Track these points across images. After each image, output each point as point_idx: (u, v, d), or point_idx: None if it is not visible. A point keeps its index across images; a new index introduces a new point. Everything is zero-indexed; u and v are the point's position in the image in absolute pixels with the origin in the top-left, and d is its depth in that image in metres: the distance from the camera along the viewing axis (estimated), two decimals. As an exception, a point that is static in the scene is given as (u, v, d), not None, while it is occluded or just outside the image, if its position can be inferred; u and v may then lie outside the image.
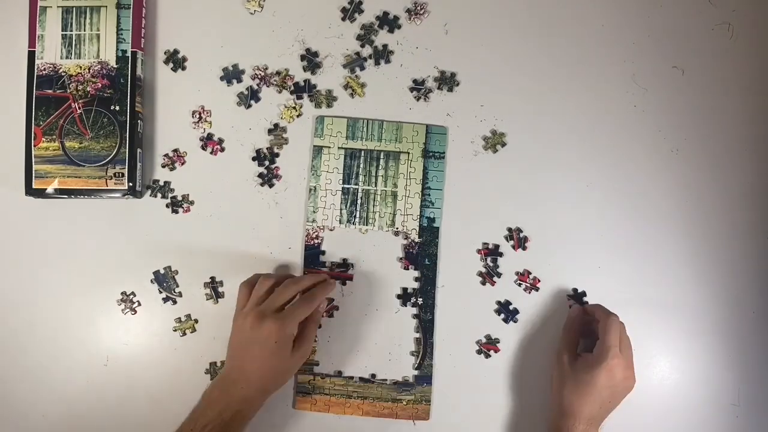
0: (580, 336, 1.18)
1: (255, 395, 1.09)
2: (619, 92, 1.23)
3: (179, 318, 1.21)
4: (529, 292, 1.22)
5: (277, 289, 1.13)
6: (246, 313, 1.10)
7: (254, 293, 1.13)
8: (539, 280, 1.22)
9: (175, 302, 1.22)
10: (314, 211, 1.21)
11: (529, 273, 1.22)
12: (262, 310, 1.09)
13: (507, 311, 1.21)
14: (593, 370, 1.08)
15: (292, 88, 1.23)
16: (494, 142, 1.22)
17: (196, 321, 1.21)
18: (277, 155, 1.22)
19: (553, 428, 1.12)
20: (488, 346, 1.21)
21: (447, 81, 1.23)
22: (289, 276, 1.19)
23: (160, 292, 1.21)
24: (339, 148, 1.22)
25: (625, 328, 1.15)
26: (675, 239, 1.22)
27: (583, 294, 1.21)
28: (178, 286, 1.22)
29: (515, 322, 1.21)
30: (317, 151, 1.22)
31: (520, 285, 1.22)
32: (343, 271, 1.22)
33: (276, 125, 1.22)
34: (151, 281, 1.21)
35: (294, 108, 1.22)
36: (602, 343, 1.10)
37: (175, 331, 1.21)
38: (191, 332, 1.21)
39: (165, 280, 1.21)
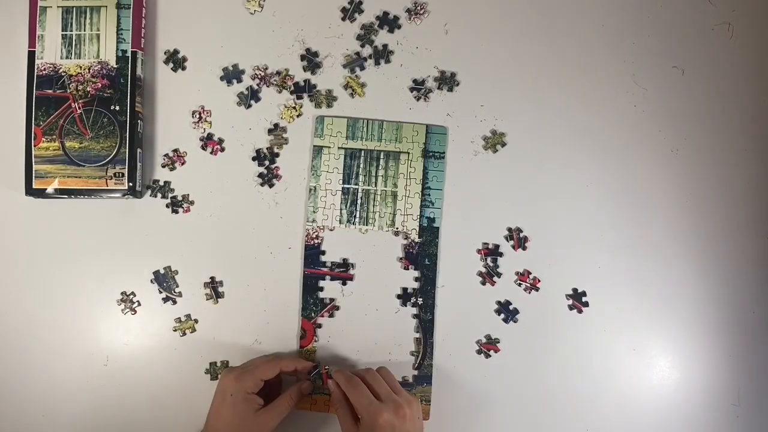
0: (352, 409, 1.13)
1: None
2: (619, 92, 1.23)
3: (179, 318, 1.21)
4: (529, 292, 1.22)
5: (264, 357, 1.16)
6: (227, 370, 1.13)
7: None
8: (539, 280, 1.22)
9: (175, 302, 1.22)
10: (314, 211, 1.21)
11: (529, 273, 1.22)
12: (232, 367, 1.13)
13: (507, 311, 1.21)
14: (378, 428, 1.05)
15: (292, 88, 1.23)
16: (494, 142, 1.22)
17: (196, 321, 1.21)
18: (277, 155, 1.22)
19: None
20: (488, 346, 1.21)
21: (447, 81, 1.23)
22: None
23: (160, 292, 1.21)
24: (339, 148, 1.22)
25: (384, 368, 1.16)
26: (675, 239, 1.22)
27: (583, 294, 1.21)
28: (178, 286, 1.22)
29: (515, 322, 1.21)
30: (317, 151, 1.22)
31: (520, 285, 1.22)
32: (343, 271, 1.22)
33: (276, 125, 1.22)
34: (151, 281, 1.21)
35: (294, 108, 1.22)
36: (359, 409, 1.08)
37: (175, 331, 1.21)
38: (191, 332, 1.21)
39: (165, 280, 1.21)
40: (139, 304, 1.22)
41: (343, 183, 1.22)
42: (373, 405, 1.06)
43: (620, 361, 1.21)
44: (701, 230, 1.22)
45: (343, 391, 1.12)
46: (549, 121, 1.23)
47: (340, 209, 1.22)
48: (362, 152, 1.22)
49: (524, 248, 1.22)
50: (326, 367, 1.18)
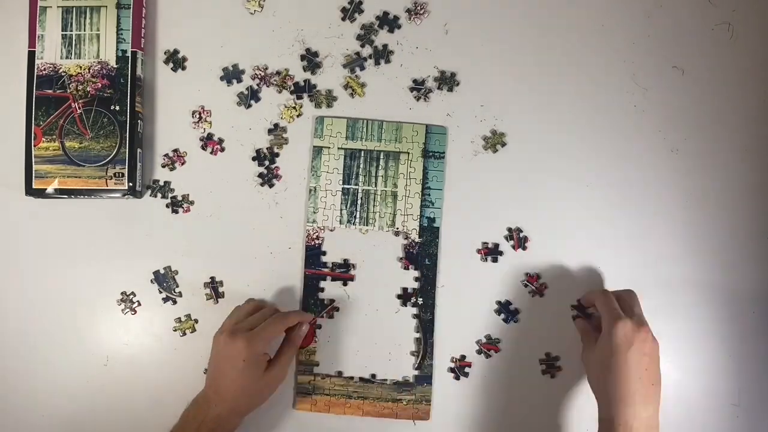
0: (593, 329, 1.16)
1: (228, 415, 1.10)
2: (619, 92, 1.23)
3: (179, 318, 1.21)
4: (533, 296, 1.22)
5: (257, 313, 1.15)
6: (221, 331, 1.12)
7: (234, 313, 1.16)
8: (546, 287, 1.22)
9: (175, 302, 1.22)
10: (314, 212, 1.21)
11: (539, 277, 1.22)
12: (234, 328, 1.10)
13: (507, 311, 1.21)
14: (606, 344, 1.06)
15: (292, 88, 1.23)
16: (494, 142, 1.22)
17: (196, 321, 1.21)
18: (277, 155, 1.22)
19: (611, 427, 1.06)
20: (488, 346, 1.21)
21: (447, 81, 1.23)
22: (276, 308, 1.19)
23: (160, 292, 1.22)
24: (339, 148, 1.22)
25: (632, 292, 1.15)
26: (675, 239, 1.22)
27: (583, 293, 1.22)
28: (178, 286, 1.22)
29: (516, 322, 1.21)
30: (317, 151, 1.22)
31: (526, 286, 1.22)
32: (343, 271, 1.22)
33: (276, 125, 1.22)
34: (151, 281, 1.22)
35: (294, 108, 1.22)
36: (604, 315, 1.09)
37: (175, 331, 1.21)
38: (191, 332, 1.21)
39: (165, 280, 1.21)
40: (139, 304, 1.22)
41: (343, 183, 1.22)
42: (617, 315, 1.07)
43: (620, 361, 1.22)
44: (701, 230, 1.22)
45: (587, 323, 1.19)
46: (549, 121, 1.23)
47: (341, 210, 1.22)
48: (362, 152, 1.22)
49: (524, 248, 1.22)
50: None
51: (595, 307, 1.16)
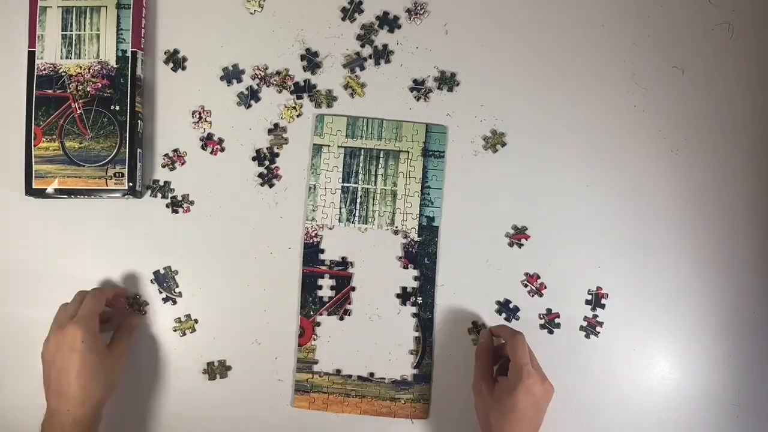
0: (492, 362, 1.15)
1: (81, 413, 1.05)
2: (619, 92, 1.23)
3: (179, 318, 1.21)
4: (532, 296, 1.22)
5: (73, 304, 1.13)
6: (46, 338, 1.09)
7: (53, 321, 1.12)
8: (545, 287, 1.22)
9: (175, 302, 1.22)
10: (314, 210, 1.22)
11: (538, 277, 1.22)
12: (58, 322, 1.09)
13: (507, 310, 1.21)
14: (513, 393, 1.04)
15: (292, 88, 1.23)
16: (494, 142, 1.22)
17: (196, 321, 1.21)
18: (277, 155, 1.22)
19: None
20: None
21: (447, 81, 1.23)
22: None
23: (160, 292, 1.21)
24: (339, 146, 1.22)
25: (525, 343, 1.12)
26: (675, 239, 1.22)
27: (482, 326, 1.22)
28: (178, 286, 1.22)
29: (517, 320, 1.21)
30: (317, 149, 1.22)
31: (526, 286, 1.22)
32: (342, 269, 1.22)
33: (276, 125, 1.22)
34: (151, 281, 1.22)
35: (294, 108, 1.22)
36: (514, 364, 1.07)
37: (175, 331, 1.21)
38: (191, 332, 1.21)
39: (165, 280, 1.21)
40: (147, 304, 1.22)
41: (343, 182, 1.22)
42: (528, 368, 1.05)
43: (620, 361, 1.21)
44: (701, 230, 1.22)
45: (488, 346, 1.15)
46: (549, 121, 1.23)
47: (340, 208, 1.22)
48: (362, 151, 1.22)
49: (523, 247, 1.22)
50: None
51: (501, 340, 1.16)
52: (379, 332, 1.22)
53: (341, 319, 1.22)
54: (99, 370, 1.07)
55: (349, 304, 1.22)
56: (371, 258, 1.22)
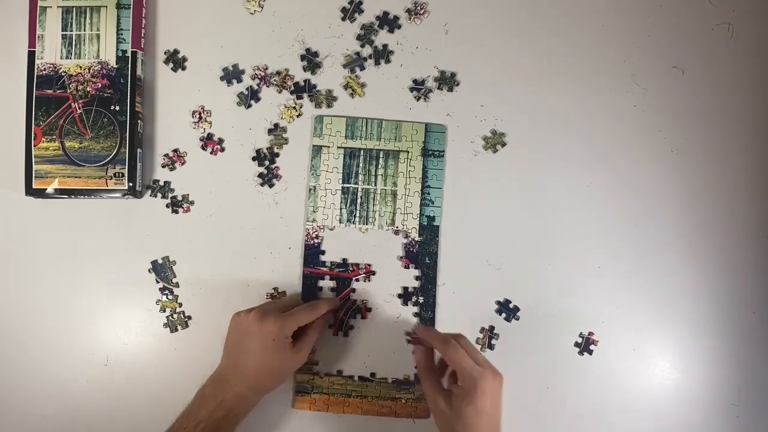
0: (438, 375, 1.13)
1: (248, 393, 1.09)
2: (619, 92, 1.23)
3: (179, 317, 1.21)
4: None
5: (285, 299, 1.17)
6: (248, 310, 1.11)
7: (263, 303, 1.16)
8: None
9: (172, 293, 1.22)
10: (314, 211, 1.22)
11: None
12: (264, 308, 1.11)
13: (507, 310, 1.21)
14: (472, 399, 1.01)
15: (292, 88, 1.23)
16: (494, 142, 1.22)
17: (189, 318, 1.22)
18: (277, 155, 1.22)
19: None
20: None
21: (447, 81, 1.23)
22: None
23: (161, 292, 1.22)
24: (338, 147, 1.22)
25: (463, 336, 1.10)
26: (675, 239, 1.22)
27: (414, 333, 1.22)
28: (178, 286, 1.22)
29: (517, 320, 1.21)
30: (316, 150, 1.22)
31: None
32: (342, 271, 1.22)
33: (276, 125, 1.22)
34: (151, 275, 1.22)
35: (294, 108, 1.22)
36: (460, 372, 1.04)
37: (174, 330, 1.21)
38: (183, 328, 1.21)
39: (163, 270, 1.22)
40: (352, 328, 1.23)
41: (343, 182, 1.22)
42: (476, 369, 1.03)
43: (620, 361, 1.21)
44: (701, 230, 1.22)
45: (427, 364, 1.13)
46: (549, 121, 1.23)
47: (340, 208, 1.22)
48: (362, 151, 1.22)
49: (524, 248, 1.22)
50: (363, 300, 1.22)
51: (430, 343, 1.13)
52: (380, 332, 1.22)
53: (343, 332, 1.22)
54: (277, 370, 1.12)
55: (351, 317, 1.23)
56: (372, 258, 1.22)
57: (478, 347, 1.20)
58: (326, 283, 1.22)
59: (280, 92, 1.23)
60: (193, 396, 1.09)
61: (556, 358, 1.21)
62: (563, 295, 1.22)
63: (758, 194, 1.23)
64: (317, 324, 1.16)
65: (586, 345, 1.21)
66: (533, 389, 1.21)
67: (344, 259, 1.22)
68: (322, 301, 1.17)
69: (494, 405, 1.03)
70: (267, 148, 1.22)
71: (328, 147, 1.22)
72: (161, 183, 1.22)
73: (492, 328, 1.22)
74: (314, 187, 1.22)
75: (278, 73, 1.23)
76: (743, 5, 1.24)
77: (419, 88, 1.23)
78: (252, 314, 1.09)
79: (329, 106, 1.22)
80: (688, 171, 1.23)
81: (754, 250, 1.23)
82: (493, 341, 1.21)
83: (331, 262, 1.22)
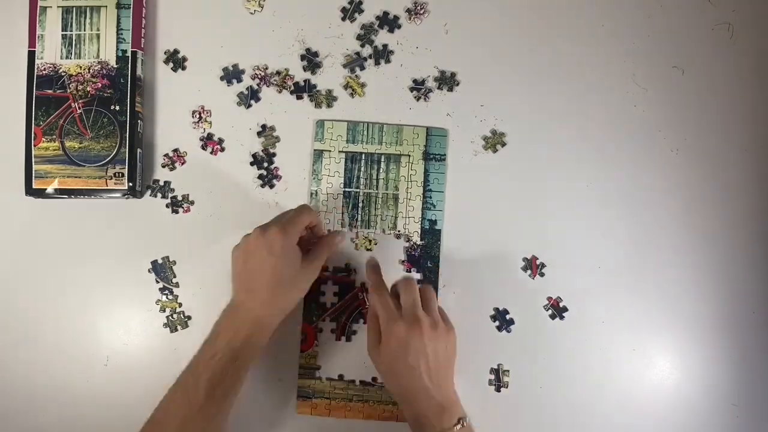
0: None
1: (265, 315, 1.08)
2: (619, 92, 1.23)
3: (179, 317, 1.21)
4: (548, 312, 1.23)
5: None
6: (245, 236, 1.10)
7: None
8: (559, 301, 1.22)
9: (172, 292, 1.22)
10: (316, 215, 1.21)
11: (556, 298, 1.22)
12: (264, 224, 1.09)
13: (503, 320, 1.22)
14: (386, 352, 1.06)
15: (292, 88, 1.23)
16: (494, 142, 1.22)
17: (189, 317, 1.22)
18: (274, 155, 1.22)
19: (415, 426, 1.07)
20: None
21: (447, 81, 1.23)
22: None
23: (161, 292, 1.22)
24: (339, 151, 1.22)
25: (408, 283, 1.11)
26: (675, 239, 1.22)
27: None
28: (178, 286, 1.22)
29: (509, 332, 1.22)
30: (318, 155, 1.22)
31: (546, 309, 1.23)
32: (345, 275, 1.22)
33: (264, 126, 1.23)
34: (151, 275, 1.22)
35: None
36: (380, 321, 1.08)
37: (174, 330, 1.21)
38: (183, 328, 1.22)
39: (162, 270, 1.22)
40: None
41: (345, 187, 1.22)
42: (390, 317, 1.06)
43: (620, 361, 1.22)
44: (701, 230, 1.22)
45: (374, 316, 1.13)
46: (549, 121, 1.23)
47: (342, 213, 1.22)
48: (363, 155, 1.22)
49: (525, 248, 1.22)
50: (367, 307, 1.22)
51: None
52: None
53: (345, 336, 1.22)
54: (290, 279, 1.09)
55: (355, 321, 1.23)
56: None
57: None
58: (329, 288, 1.22)
59: (280, 92, 1.23)
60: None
61: (556, 358, 1.21)
62: (563, 295, 1.22)
63: (758, 194, 1.23)
64: (328, 239, 1.15)
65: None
66: (531, 389, 1.21)
67: (347, 264, 1.22)
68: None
69: (395, 356, 1.05)
70: (262, 150, 1.22)
71: (330, 151, 1.22)
72: (161, 183, 1.22)
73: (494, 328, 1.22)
74: (316, 191, 1.22)
75: (278, 73, 1.23)
76: (743, 5, 1.24)
77: (419, 88, 1.23)
78: (253, 233, 1.08)
79: (329, 106, 1.22)
80: (688, 171, 1.23)
81: (754, 250, 1.23)
82: (494, 342, 1.21)
83: (333, 267, 1.22)
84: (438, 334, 1.07)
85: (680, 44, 1.24)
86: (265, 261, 1.06)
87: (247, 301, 1.08)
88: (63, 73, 1.19)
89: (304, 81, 1.23)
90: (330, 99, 1.23)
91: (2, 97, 1.22)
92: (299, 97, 1.23)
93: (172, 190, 1.22)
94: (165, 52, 1.23)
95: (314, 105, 1.23)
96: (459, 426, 1.04)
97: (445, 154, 1.22)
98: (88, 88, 1.19)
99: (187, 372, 1.07)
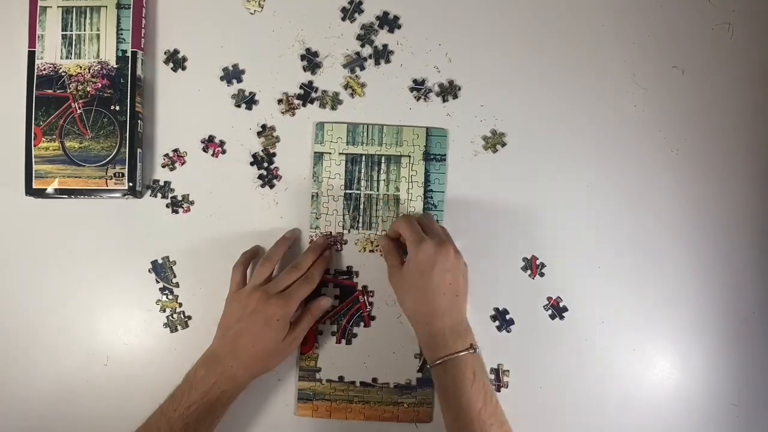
0: (400, 256, 1.18)
1: (242, 375, 1.09)
2: (619, 92, 1.23)
3: (179, 316, 1.21)
4: (549, 313, 1.23)
5: (280, 274, 1.14)
6: (248, 291, 1.12)
7: (256, 275, 1.14)
8: (559, 302, 1.22)
9: (172, 293, 1.23)
10: (317, 218, 1.21)
11: (555, 298, 1.22)
12: (266, 289, 1.11)
13: (503, 320, 1.22)
14: (413, 267, 1.10)
15: (299, 107, 1.23)
16: (494, 142, 1.22)
17: (190, 317, 1.22)
18: (274, 155, 1.22)
19: (428, 345, 1.11)
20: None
21: (449, 90, 1.23)
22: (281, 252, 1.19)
23: (161, 292, 1.22)
24: (340, 153, 1.22)
25: (429, 214, 1.21)
26: (675, 239, 1.22)
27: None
28: (178, 286, 1.22)
29: (509, 332, 1.22)
30: (318, 157, 1.22)
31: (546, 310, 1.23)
32: (346, 278, 1.22)
33: (264, 126, 1.22)
34: (151, 275, 1.22)
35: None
36: (406, 240, 1.13)
37: (174, 330, 1.21)
38: (183, 328, 1.22)
39: (162, 270, 1.22)
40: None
41: (345, 188, 1.22)
42: (420, 238, 1.11)
43: (620, 361, 1.22)
44: (701, 230, 1.23)
45: (392, 241, 1.19)
46: (549, 121, 1.23)
47: (343, 215, 1.22)
48: (363, 157, 1.22)
49: (524, 248, 1.22)
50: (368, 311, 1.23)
51: (401, 236, 1.17)
52: (381, 337, 1.22)
53: (346, 339, 1.22)
54: (275, 352, 1.12)
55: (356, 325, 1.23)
56: (375, 264, 1.22)
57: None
58: (330, 291, 1.22)
59: (283, 114, 1.23)
60: (182, 379, 1.10)
61: (556, 358, 1.21)
62: (563, 295, 1.22)
63: (758, 194, 1.23)
64: (310, 309, 1.16)
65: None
66: (533, 391, 1.21)
67: (348, 267, 1.22)
68: (316, 269, 1.17)
69: (421, 272, 1.10)
70: (262, 150, 1.22)
71: (330, 153, 1.22)
72: (161, 183, 1.22)
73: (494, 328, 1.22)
74: (316, 193, 1.22)
75: (280, 101, 1.23)
76: (743, 5, 1.24)
77: (419, 88, 1.23)
78: (255, 296, 1.10)
79: (333, 108, 1.22)
80: (688, 171, 1.23)
81: (754, 250, 1.23)
82: (494, 342, 1.21)
83: (335, 270, 1.22)
84: (460, 262, 1.13)
85: (680, 44, 1.24)
86: (259, 329, 1.09)
87: (228, 357, 1.10)
88: (63, 73, 1.19)
89: (307, 82, 1.23)
90: (335, 102, 1.22)
91: (2, 97, 1.22)
92: (304, 105, 1.23)
93: (172, 190, 1.22)
94: (165, 52, 1.23)
95: (318, 105, 1.23)
96: (472, 351, 1.08)
97: (445, 155, 1.22)
98: (88, 88, 1.18)
99: (161, 418, 1.08)
